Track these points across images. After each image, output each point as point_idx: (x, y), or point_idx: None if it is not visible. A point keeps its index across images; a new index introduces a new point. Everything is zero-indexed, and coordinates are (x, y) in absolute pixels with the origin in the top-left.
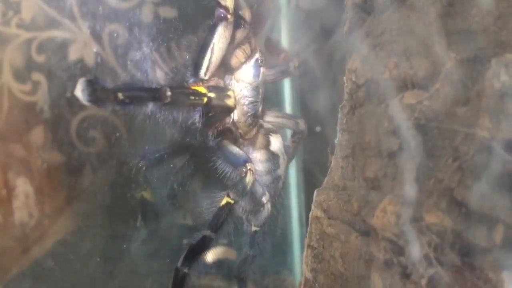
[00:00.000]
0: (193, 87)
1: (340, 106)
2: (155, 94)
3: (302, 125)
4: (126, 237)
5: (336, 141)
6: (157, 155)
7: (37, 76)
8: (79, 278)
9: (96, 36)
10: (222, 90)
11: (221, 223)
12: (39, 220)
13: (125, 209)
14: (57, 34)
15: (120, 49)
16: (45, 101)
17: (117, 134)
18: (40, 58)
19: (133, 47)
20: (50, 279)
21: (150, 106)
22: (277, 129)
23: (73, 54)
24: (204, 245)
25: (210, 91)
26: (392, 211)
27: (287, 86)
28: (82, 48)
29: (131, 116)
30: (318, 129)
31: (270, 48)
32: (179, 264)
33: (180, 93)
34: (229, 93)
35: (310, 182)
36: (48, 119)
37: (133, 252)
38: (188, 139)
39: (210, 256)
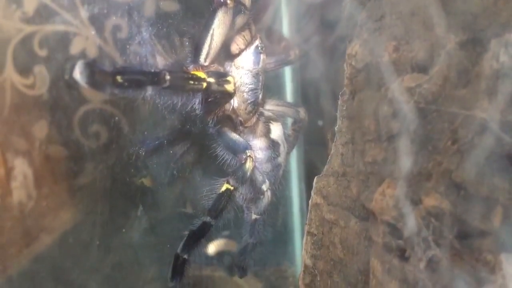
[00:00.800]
0: (192, 72)
1: (340, 93)
2: (153, 78)
3: (302, 113)
4: (126, 223)
5: (336, 128)
6: (157, 142)
7: (39, 69)
8: (78, 265)
9: (99, 30)
10: (221, 76)
11: (220, 209)
12: (38, 202)
13: (124, 196)
14: (60, 27)
15: (123, 42)
16: (47, 94)
17: (119, 127)
18: (42, 52)
19: (135, 41)
20: (50, 264)
21: (149, 90)
22: (278, 118)
23: (75, 48)
24: (204, 231)
25: (209, 76)
26: (391, 194)
27: (288, 76)
28: (85, 41)
29: (132, 107)
30: (320, 123)
31: (271, 37)
32: (178, 250)
33: (179, 78)
34: (229, 78)
35: (310, 173)
36: (50, 113)
37: (132, 239)
38: (188, 127)
39: (211, 248)
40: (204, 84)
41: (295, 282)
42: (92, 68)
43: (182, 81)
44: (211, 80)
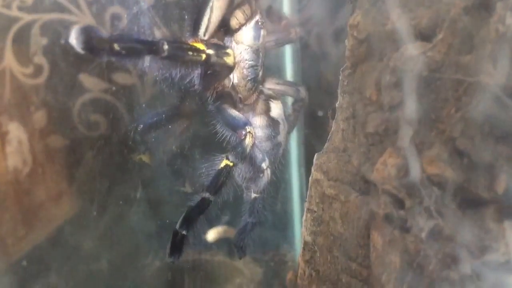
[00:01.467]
0: (191, 43)
1: (341, 69)
2: (151, 47)
3: (303, 92)
4: (124, 201)
5: (337, 105)
6: (155, 118)
7: (39, 59)
8: (76, 241)
9: (99, 18)
10: (221, 48)
11: (220, 185)
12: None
13: (123, 173)
14: (59, 16)
15: (123, 30)
16: (47, 84)
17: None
18: (42, 41)
19: (135, 29)
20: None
21: (147, 60)
22: (278, 96)
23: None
24: (202, 207)
25: (209, 48)
26: (393, 163)
27: (288, 56)
28: None
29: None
30: (320, 113)
31: (272, 16)
32: (177, 226)
33: (177, 48)
34: (228, 51)
35: (310, 157)
36: (50, 102)
37: (130, 217)
38: (187, 103)
39: (211, 235)
40: (203, 56)
41: (295, 266)
42: (88, 34)
43: (181, 52)
44: (211, 52)
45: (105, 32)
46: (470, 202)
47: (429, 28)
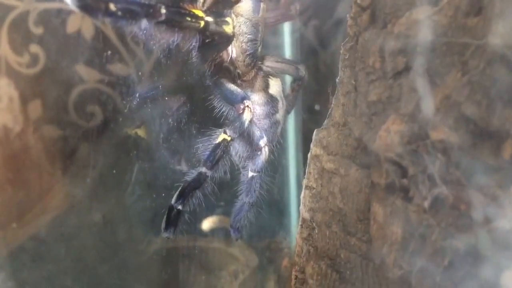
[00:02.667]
0: (190, 9)
1: (342, 43)
2: (149, 9)
3: (302, 71)
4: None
5: (337, 80)
6: (152, 92)
7: (35, 48)
8: (72, 220)
9: None
10: (220, 15)
11: (216, 160)
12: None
13: (118, 147)
14: (55, 5)
15: None
16: (43, 73)
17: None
18: (38, 30)
19: None
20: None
21: (143, 24)
22: (277, 74)
23: (71, 26)
24: (199, 182)
25: (207, 15)
26: (396, 130)
27: (287, 42)
28: (81, 20)
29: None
30: (317, 107)
31: None
32: (172, 201)
33: (175, 12)
34: (227, 19)
35: (308, 142)
36: (46, 92)
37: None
38: (184, 78)
39: (206, 224)
40: (202, 23)
41: (290, 254)
42: None
43: (179, 16)
44: (209, 19)
45: None
46: (476, 168)
47: None
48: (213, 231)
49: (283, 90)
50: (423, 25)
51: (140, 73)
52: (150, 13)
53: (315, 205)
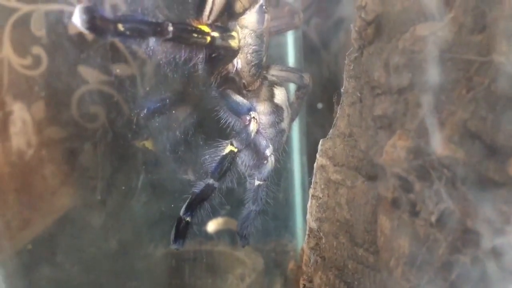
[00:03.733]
0: (196, 25)
1: (347, 53)
2: (156, 28)
3: (307, 79)
4: (127, 189)
5: (342, 90)
6: (159, 104)
7: (37, 50)
8: (79, 228)
9: None
10: (226, 30)
11: (224, 171)
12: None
13: (126, 160)
14: (57, 7)
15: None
16: (45, 75)
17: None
18: (40, 32)
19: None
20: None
21: (151, 41)
22: (282, 83)
23: (73, 28)
24: (207, 193)
25: (213, 30)
26: (402, 145)
27: (290, 44)
28: None
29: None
30: (319, 106)
31: (275, 1)
32: (181, 212)
33: (182, 29)
34: (233, 33)
35: (312, 146)
36: (48, 93)
37: (133, 205)
38: (190, 89)
39: (212, 226)
40: (208, 38)
41: (296, 256)
42: (93, 13)
43: (186, 34)
44: (216, 34)
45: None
46: (481, 184)
47: (439, 7)
48: (218, 234)
49: (288, 98)
50: (428, 41)
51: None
52: (157, 31)
53: (322, 215)
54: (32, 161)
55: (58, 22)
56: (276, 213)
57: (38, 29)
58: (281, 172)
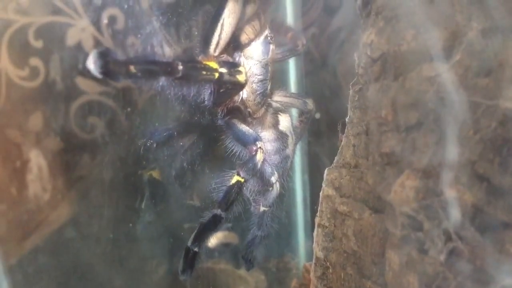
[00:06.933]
0: (204, 62)
1: (351, 83)
2: (167, 68)
3: (310, 104)
4: (134, 216)
5: (347, 119)
6: (165, 134)
7: (35, 61)
8: (86, 258)
9: (95, 21)
10: (233, 66)
11: (231, 202)
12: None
13: (133, 188)
14: (55, 19)
15: (119, 33)
16: (43, 86)
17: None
18: (37, 44)
19: (131, 32)
20: (60, 259)
21: (161, 80)
22: (286, 109)
23: (71, 39)
24: (214, 224)
25: (221, 67)
26: (411, 185)
27: (291, 64)
28: (80, 33)
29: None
30: (317, 115)
31: (276, 26)
32: (189, 243)
33: (191, 68)
34: (241, 68)
35: (314, 164)
36: (46, 105)
37: (139, 232)
38: (196, 118)
39: (212, 240)
40: (216, 75)
41: (298, 274)
42: (106, 58)
43: (195, 71)
44: (223, 70)
45: (120, 54)
46: (490, 225)
47: (445, 49)
48: (220, 251)
49: (292, 124)
50: (434, 81)
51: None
52: (168, 71)
53: (329, 244)
54: None
55: (56, 34)
56: (278, 231)
57: (36, 40)
58: (283, 190)
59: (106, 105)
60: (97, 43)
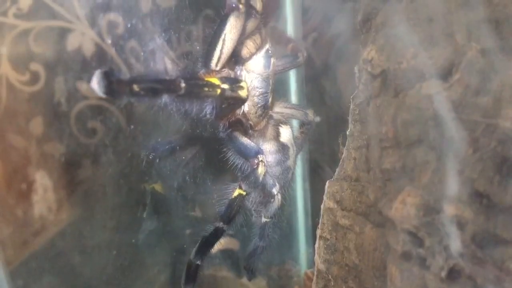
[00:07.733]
0: (206, 78)
1: (351, 96)
2: (169, 85)
3: (311, 115)
4: (136, 229)
5: (348, 132)
6: (167, 147)
7: (35, 66)
8: (90, 270)
9: (95, 26)
10: (235, 81)
11: (233, 215)
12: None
13: (135, 202)
14: (55, 23)
15: (119, 38)
16: (44, 91)
17: (118, 125)
18: (38, 48)
19: (132, 36)
20: (61, 272)
21: (164, 98)
22: (286, 120)
23: (71, 44)
24: (216, 237)
25: (223, 82)
26: (412, 203)
27: (292, 77)
28: (81, 37)
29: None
30: (317, 119)
31: (276, 37)
32: (191, 256)
33: (194, 85)
34: (242, 84)
35: (315, 173)
36: (47, 110)
37: (142, 243)
38: (198, 131)
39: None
40: (219, 90)
41: (300, 282)
42: (109, 78)
43: (197, 88)
44: (225, 86)
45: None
46: (490, 242)
47: (445, 68)
48: (221, 259)
49: (293, 135)
50: (434, 99)
51: None
52: (171, 88)
53: (330, 257)
54: None
55: (56, 39)
56: (280, 238)
57: (37, 45)
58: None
59: (108, 110)
60: (97, 48)
